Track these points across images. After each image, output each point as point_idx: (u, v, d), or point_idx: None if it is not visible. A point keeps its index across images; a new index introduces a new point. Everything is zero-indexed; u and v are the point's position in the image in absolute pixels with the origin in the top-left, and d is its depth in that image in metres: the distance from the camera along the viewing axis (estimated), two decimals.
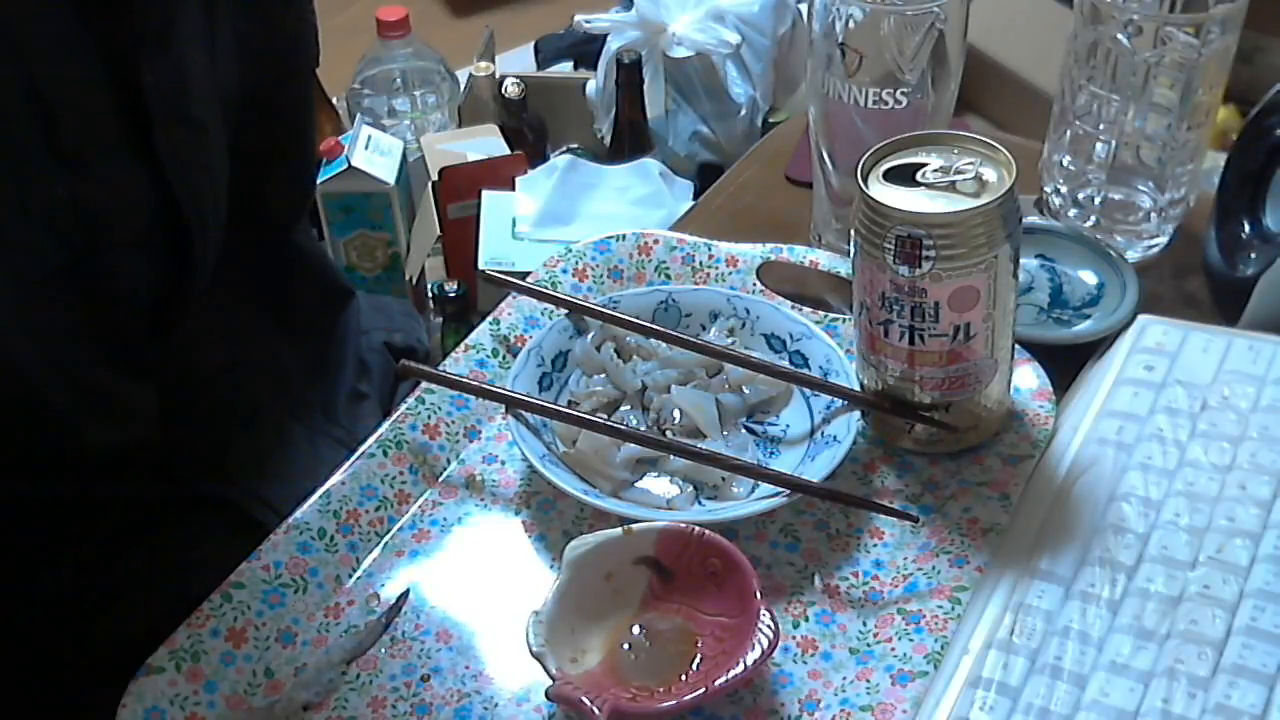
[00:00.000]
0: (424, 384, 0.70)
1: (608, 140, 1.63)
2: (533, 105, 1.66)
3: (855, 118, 0.74)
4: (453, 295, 1.37)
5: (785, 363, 0.71)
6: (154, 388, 0.67)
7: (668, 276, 0.78)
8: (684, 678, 0.57)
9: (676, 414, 0.69)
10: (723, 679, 0.54)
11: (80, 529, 0.67)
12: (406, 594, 0.62)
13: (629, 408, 0.70)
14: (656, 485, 0.66)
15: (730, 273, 0.78)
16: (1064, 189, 0.82)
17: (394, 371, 0.88)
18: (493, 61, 1.76)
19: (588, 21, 1.65)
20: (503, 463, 0.69)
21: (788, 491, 0.63)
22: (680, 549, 0.60)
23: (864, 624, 0.60)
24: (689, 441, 0.67)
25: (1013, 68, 1.78)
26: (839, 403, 0.68)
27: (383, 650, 0.60)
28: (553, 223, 1.33)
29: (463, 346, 0.74)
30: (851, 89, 0.73)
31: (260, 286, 0.80)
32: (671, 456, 0.66)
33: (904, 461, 0.68)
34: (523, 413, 0.67)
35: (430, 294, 1.42)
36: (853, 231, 0.62)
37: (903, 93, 0.72)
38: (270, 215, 0.81)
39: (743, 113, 1.61)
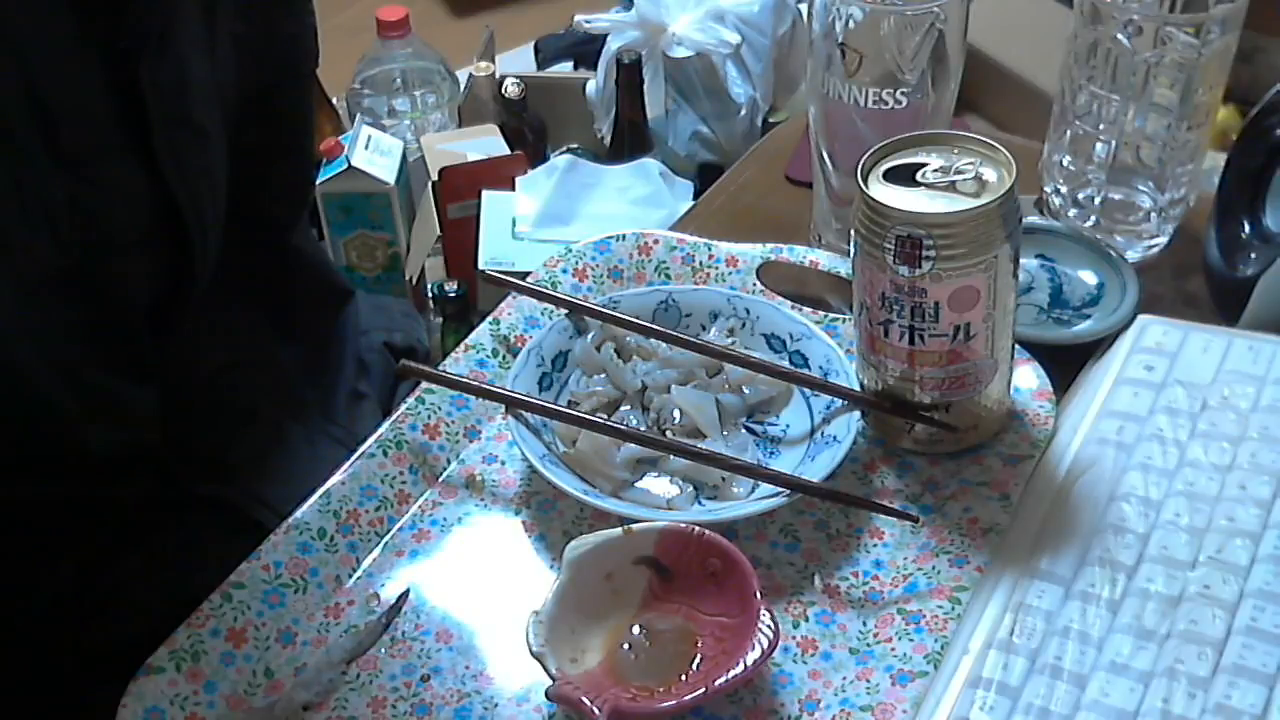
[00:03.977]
0: (424, 384, 0.70)
1: (608, 140, 1.63)
2: (533, 105, 1.66)
3: (855, 118, 0.74)
4: (453, 295, 1.37)
5: (785, 363, 0.71)
6: (155, 389, 0.67)
7: (668, 276, 0.78)
8: (684, 678, 0.57)
9: (676, 414, 0.69)
10: (723, 679, 0.54)
11: (80, 529, 0.67)
12: (406, 594, 0.62)
13: (629, 408, 0.70)
14: (656, 485, 0.66)
15: (730, 273, 0.78)
16: (1064, 189, 0.82)
17: (394, 371, 0.88)
18: (493, 61, 1.76)
19: (588, 21, 1.65)
20: (503, 463, 0.69)
21: (788, 491, 0.63)
22: (680, 549, 0.60)
23: (864, 624, 0.60)
24: (689, 441, 0.66)
25: (1013, 68, 1.78)
26: (839, 403, 0.68)
27: (383, 650, 0.60)
28: (553, 223, 1.33)
29: (463, 346, 0.74)
30: (851, 89, 0.73)
31: (260, 287, 0.80)
32: (671, 456, 0.66)
33: (904, 461, 0.68)
34: (523, 413, 0.67)
35: (430, 294, 1.41)
36: (853, 231, 0.62)
37: (903, 93, 0.72)
38: (270, 215, 0.81)
39: (743, 113, 1.61)
